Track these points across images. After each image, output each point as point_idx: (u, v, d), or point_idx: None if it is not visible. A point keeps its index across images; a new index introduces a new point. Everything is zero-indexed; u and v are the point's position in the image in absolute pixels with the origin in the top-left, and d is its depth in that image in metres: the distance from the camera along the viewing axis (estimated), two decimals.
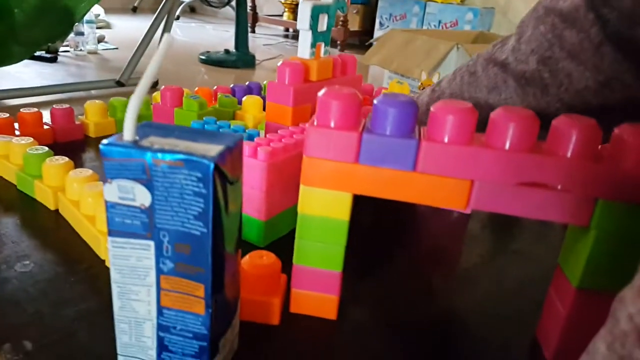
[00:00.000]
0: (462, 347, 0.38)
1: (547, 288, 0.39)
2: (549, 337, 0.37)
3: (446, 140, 0.33)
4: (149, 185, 0.26)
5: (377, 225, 0.57)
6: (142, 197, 0.27)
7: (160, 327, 0.29)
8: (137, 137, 0.27)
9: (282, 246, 0.39)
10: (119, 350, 0.31)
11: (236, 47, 1.82)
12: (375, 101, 0.33)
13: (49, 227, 0.49)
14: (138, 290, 0.29)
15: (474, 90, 0.48)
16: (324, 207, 0.35)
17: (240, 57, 1.72)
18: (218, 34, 2.31)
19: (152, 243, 0.28)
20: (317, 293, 0.38)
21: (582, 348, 0.36)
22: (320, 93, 0.34)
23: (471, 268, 0.50)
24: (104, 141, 0.26)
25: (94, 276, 0.41)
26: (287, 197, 0.48)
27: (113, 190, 0.27)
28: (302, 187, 0.35)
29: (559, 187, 0.33)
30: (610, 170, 0.32)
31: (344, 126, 0.34)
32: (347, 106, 0.33)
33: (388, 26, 2.04)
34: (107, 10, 2.25)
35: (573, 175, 0.32)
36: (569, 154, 0.32)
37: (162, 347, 0.30)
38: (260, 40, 2.28)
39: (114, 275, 0.29)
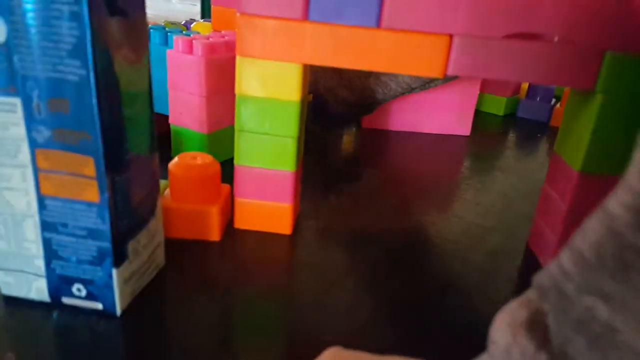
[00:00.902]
0: (443, 259, 0.32)
1: (536, 202, 0.33)
2: (546, 241, 0.31)
3: None
4: (2, 11, 0.19)
5: (347, 148, 0.50)
6: None
7: (44, 226, 0.22)
8: None
9: (233, 170, 0.31)
10: None
11: (202, 17, 1.72)
12: None
13: None
14: (9, 173, 0.21)
15: None
16: (268, 84, 0.28)
17: None
18: (185, 8, 2.20)
19: (18, 100, 0.20)
20: (267, 201, 0.31)
21: None
22: None
23: (452, 184, 0.44)
24: None
25: None
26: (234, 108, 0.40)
27: None
28: (238, 58, 0.28)
29: (556, 38, 0.26)
30: (621, 13, 0.25)
31: None
32: None
33: None
34: None
35: (574, 21, 0.26)
36: None
37: (50, 252, 0.22)
38: None
39: None
